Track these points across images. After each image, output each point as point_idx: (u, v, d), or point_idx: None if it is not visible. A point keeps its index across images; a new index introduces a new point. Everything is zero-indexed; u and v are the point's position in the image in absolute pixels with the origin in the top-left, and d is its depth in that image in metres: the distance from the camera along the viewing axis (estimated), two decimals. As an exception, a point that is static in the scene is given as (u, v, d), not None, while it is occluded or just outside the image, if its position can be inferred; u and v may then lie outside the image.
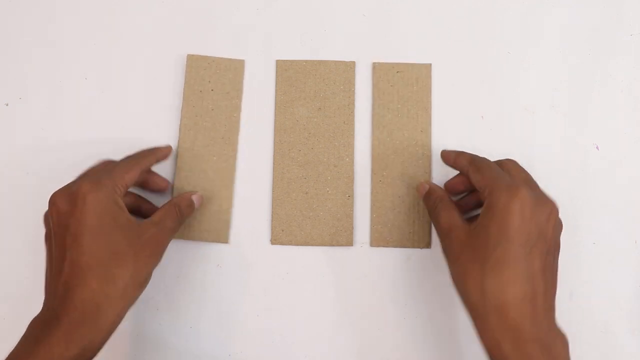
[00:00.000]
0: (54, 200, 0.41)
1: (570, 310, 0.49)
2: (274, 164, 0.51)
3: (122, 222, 0.41)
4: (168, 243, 0.44)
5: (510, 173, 0.43)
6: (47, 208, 0.42)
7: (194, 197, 0.48)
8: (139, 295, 0.41)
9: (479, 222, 0.40)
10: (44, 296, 0.42)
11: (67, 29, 0.53)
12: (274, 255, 0.50)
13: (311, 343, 0.49)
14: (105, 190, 0.41)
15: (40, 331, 0.39)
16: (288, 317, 0.49)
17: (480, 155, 0.45)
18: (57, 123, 0.52)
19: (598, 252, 0.50)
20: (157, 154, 0.48)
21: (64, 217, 0.40)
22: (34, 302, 0.50)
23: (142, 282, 0.41)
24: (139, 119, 0.52)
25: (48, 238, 0.42)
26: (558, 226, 0.41)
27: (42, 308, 0.41)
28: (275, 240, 0.50)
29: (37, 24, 0.53)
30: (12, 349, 0.39)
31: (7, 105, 0.52)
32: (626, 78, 0.52)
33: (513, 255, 0.38)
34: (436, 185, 0.47)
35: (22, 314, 0.50)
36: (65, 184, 0.43)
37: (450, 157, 0.47)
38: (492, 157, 0.51)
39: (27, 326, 0.40)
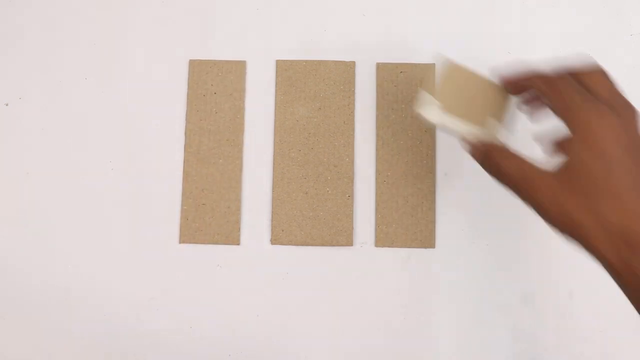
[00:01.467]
0: None
1: (571, 310, 0.49)
2: (274, 164, 0.51)
3: None
4: None
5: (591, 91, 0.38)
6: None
7: None
8: None
9: (573, 160, 0.36)
10: None
11: (67, 30, 0.53)
12: (274, 255, 0.50)
13: (311, 343, 0.49)
14: None
15: None
16: (288, 317, 0.49)
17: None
18: (57, 123, 0.52)
19: (598, 252, 0.50)
20: None
21: None
22: (33, 302, 0.50)
23: None
24: (139, 119, 0.52)
25: None
26: None
27: None
28: (275, 240, 0.50)
29: (37, 24, 0.53)
30: None
31: (7, 105, 0.52)
32: (626, 78, 0.52)
33: (625, 183, 0.35)
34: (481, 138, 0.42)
35: (22, 314, 0.50)
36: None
37: (514, 79, 0.41)
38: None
39: None
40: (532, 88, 0.40)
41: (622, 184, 0.35)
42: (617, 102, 0.38)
